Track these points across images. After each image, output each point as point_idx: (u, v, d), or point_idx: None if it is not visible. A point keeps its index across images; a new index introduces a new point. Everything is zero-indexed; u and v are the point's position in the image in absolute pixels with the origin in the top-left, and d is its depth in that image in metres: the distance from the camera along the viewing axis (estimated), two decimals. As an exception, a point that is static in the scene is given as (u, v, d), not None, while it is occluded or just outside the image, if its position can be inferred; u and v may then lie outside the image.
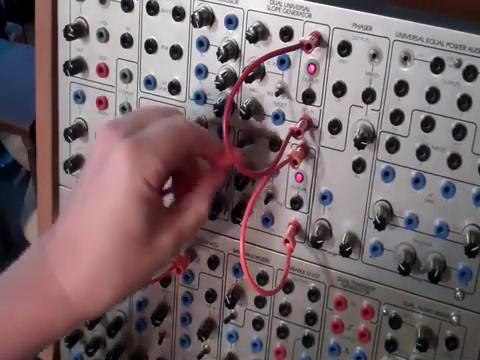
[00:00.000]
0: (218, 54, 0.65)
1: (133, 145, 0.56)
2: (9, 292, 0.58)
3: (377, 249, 0.66)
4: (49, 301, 0.57)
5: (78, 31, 0.71)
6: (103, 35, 0.71)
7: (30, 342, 0.58)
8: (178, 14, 0.67)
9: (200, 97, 0.69)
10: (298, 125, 0.64)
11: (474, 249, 0.61)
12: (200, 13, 0.65)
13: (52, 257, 0.58)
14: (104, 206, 0.56)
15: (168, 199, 0.65)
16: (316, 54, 0.63)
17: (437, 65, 0.59)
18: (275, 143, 0.67)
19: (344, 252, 0.66)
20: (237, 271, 0.73)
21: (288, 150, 0.65)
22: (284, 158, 0.64)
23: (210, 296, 0.75)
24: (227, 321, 0.75)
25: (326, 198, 0.66)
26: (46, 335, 0.58)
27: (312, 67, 0.63)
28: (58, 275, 0.57)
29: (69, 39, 0.72)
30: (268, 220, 0.70)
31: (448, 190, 0.62)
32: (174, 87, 0.69)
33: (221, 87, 0.65)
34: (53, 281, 0.57)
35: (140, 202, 0.56)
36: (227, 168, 0.64)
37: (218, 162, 0.63)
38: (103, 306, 0.59)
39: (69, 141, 0.75)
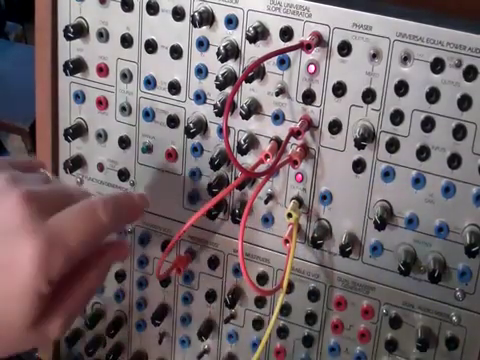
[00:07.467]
0: (218, 54, 0.65)
1: (45, 246, 0.52)
2: None
3: (377, 249, 0.66)
4: None
5: (78, 31, 0.71)
6: (103, 35, 0.71)
7: None
8: (178, 14, 0.67)
9: (200, 97, 0.69)
10: (298, 125, 0.64)
11: (474, 249, 0.61)
12: (200, 13, 0.65)
13: None
14: None
15: None
16: (316, 54, 0.63)
17: (437, 65, 0.59)
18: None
19: (344, 252, 0.66)
20: (237, 271, 0.73)
21: (288, 150, 0.66)
22: (284, 158, 0.64)
23: (210, 296, 0.75)
24: (227, 321, 0.75)
25: (326, 198, 0.66)
26: None
27: (312, 67, 0.63)
28: None
29: (69, 39, 0.72)
30: (268, 220, 0.70)
31: (448, 190, 0.62)
32: (174, 87, 0.69)
33: (221, 87, 0.65)
34: None
35: (33, 301, 0.52)
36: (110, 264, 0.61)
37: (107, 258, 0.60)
38: None
39: (69, 141, 0.75)
